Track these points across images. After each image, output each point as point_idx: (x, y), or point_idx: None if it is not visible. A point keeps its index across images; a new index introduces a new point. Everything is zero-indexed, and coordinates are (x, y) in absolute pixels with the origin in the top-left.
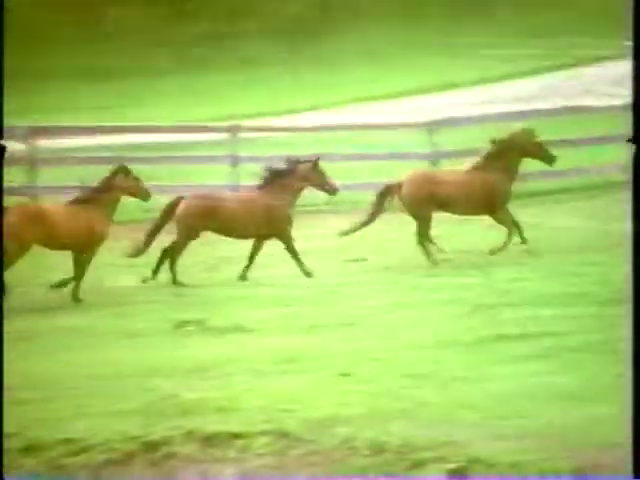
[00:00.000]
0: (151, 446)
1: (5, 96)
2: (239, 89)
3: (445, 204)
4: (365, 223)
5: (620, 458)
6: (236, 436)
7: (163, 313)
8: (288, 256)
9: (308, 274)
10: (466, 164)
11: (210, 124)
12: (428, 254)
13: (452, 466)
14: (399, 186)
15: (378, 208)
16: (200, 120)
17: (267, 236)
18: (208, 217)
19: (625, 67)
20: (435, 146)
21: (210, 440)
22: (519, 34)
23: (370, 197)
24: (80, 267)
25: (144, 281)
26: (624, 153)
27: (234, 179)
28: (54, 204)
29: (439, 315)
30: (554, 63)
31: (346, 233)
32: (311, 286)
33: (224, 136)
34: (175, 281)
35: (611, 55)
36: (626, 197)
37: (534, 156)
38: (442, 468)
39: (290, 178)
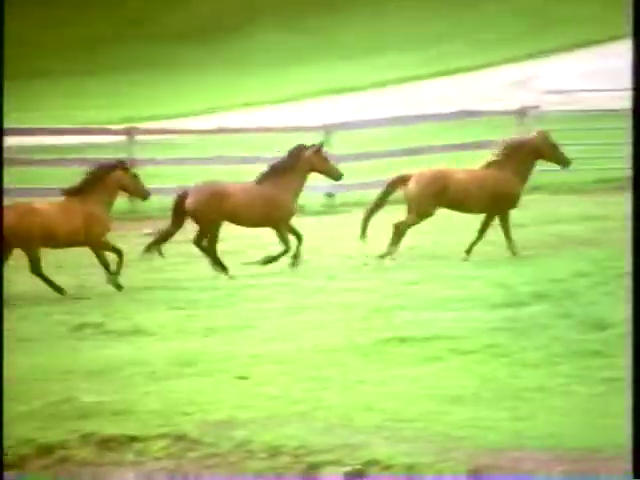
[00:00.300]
0: (45, 449)
1: None
2: (138, 91)
3: (454, 202)
4: (370, 213)
5: (512, 458)
6: (133, 439)
7: (60, 316)
8: (186, 259)
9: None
10: (479, 163)
11: (108, 126)
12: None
13: (348, 469)
14: (407, 180)
15: (384, 198)
16: (98, 122)
17: (270, 225)
18: (219, 207)
19: (520, 72)
20: (332, 149)
21: (107, 443)
22: (415, 39)
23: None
24: (102, 258)
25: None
26: None
27: None
28: (47, 202)
29: (338, 318)
30: (448, 68)
31: (363, 226)
32: (210, 289)
33: (121, 138)
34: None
35: (509, 59)
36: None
37: (549, 158)
38: (339, 471)
39: (293, 166)
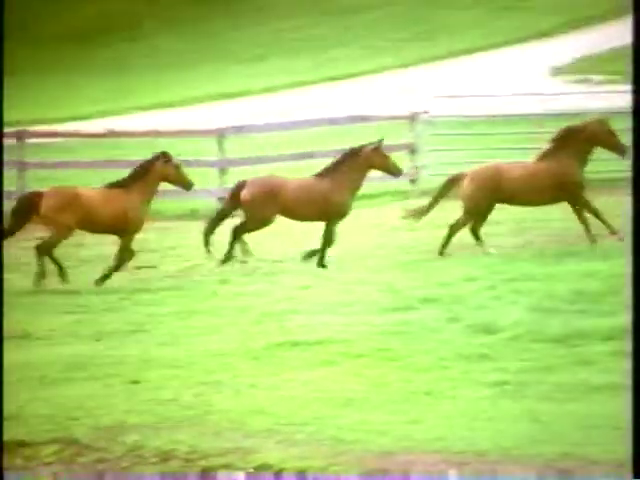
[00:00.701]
0: None
1: None
2: (27, 94)
3: (511, 198)
4: (428, 209)
5: (402, 462)
6: (23, 444)
7: None
8: (76, 263)
9: (323, 266)
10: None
11: None
12: (480, 243)
13: (240, 473)
14: (463, 177)
15: (441, 195)
16: None
17: (323, 220)
18: (272, 200)
19: (410, 77)
20: (224, 153)
21: None
22: (306, 43)
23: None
24: (122, 252)
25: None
26: (407, 161)
27: (21, 185)
28: (90, 188)
29: (230, 322)
30: (340, 73)
31: (417, 217)
32: (101, 292)
33: (11, 141)
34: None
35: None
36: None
37: (605, 145)
38: (230, 474)
39: (353, 162)
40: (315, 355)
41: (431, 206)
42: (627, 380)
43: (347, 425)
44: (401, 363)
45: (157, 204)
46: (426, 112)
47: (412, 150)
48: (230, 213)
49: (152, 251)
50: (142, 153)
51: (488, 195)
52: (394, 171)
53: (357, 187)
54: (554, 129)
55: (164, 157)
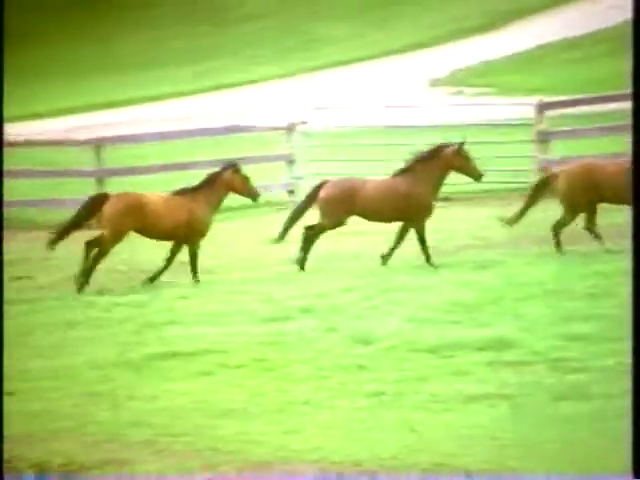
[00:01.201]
0: None
1: None
2: None
3: (608, 197)
4: (524, 211)
5: (279, 472)
6: None
7: None
8: None
9: (432, 265)
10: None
11: None
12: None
13: None
14: (556, 176)
15: (536, 197)
16: None
17: (405, 221)
18: (348, 201)
19: (289, 88)
20: (102, 164)
21: None
22: (187, 53)
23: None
24: (192, 257)
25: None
26: (285, 172)
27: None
28: (156, 194)
29: (109, 333)
30: (219, 83)
31: (513, 221)
32: None
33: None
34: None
35: (278, 75)
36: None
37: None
38: None
39: (433, 163)
40: (194, 366)
41: (524, 211)
42: (503, 390)
43: (225, 435)
44: (279, 373)
45: (29, 214)
46: (304, 123)
47: (290, 161)
48: (305, 211)
49: (26, 261)
50: (17, 163)
51: (583, 193)
52: (475, 174)
53: (438, 187)
54: (437, 140)
55: (233, 168)
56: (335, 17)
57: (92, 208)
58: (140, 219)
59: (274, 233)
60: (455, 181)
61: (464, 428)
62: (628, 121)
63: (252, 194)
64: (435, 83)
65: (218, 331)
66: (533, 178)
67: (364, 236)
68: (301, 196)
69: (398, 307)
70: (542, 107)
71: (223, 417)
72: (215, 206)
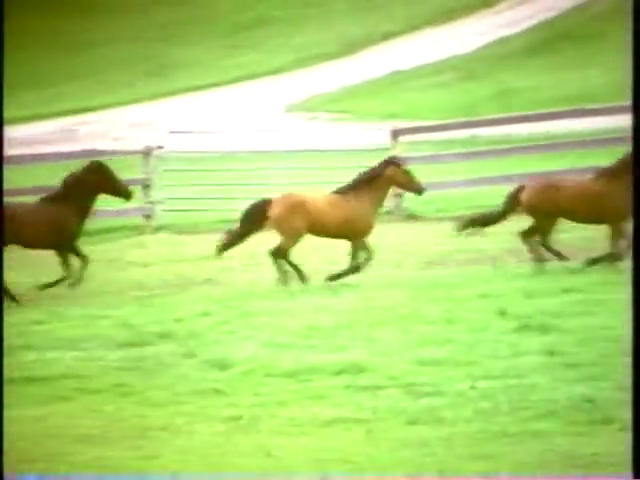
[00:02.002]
0: None
1: None
2: None
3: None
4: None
5: None
6: None
7: None
8: None
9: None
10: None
11: None
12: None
13: None
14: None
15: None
16: None
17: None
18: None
19: (145, 112)
20: None
21: None
22: (37, 78)
23: None
24: (354, 253)
25: None
26: (142, 196)
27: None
28: (316, 194)
29: None
30: (75, 107)
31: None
32: None
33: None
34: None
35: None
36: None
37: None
38: None
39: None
40: (50, 391)
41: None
42: (359, 414)
43: (82, 462)
44: (137, 398)
45: None
46: (160, 147)
47: (146, 185)
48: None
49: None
50: None
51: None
52: (417, 188)
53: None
54: (292, 165)
55: (394, 162)
56: (190, 42)
57: (258, 215)
58: (306, 218)
59: (130, 257)
60: None
61: (320, 452)
62: (484, 147)
63: (416, 188)
64: (291, 108)
65: (75, 356)
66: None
67: (220, 261)
68: (158, 221)
69: (256, 332)
70: (397, 133)
71: (79, 443)
72: (378, 202)
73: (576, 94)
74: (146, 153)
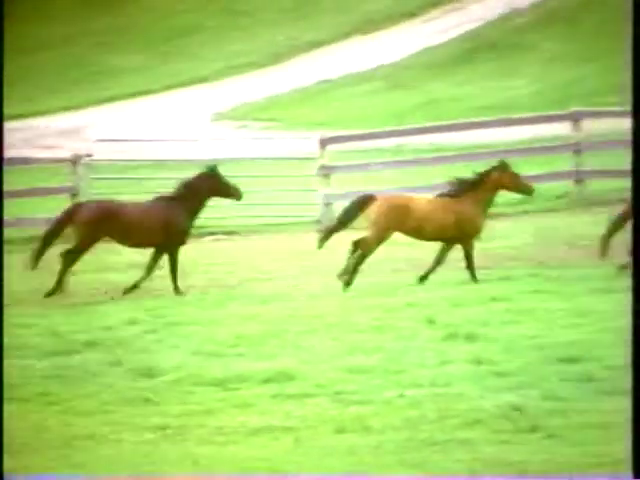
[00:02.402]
0: None
1: None
2: None
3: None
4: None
5: None
6: None
7: None
8: None
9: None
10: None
11: None
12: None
13: None
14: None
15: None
16: None
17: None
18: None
19: (73, 120)
20: None
21: None
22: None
23: None
24: (468, 257)
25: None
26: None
27: None
28: (421, 197)
29: None
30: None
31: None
32: None
33: None
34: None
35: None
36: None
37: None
38: None
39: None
40: None
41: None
42: (287, 422)
43: (6, 470)
44: (62, 407)
45: None
46: (89, 155)
47: (74, 194)
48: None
49: None
50: None
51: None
52: (526, 190)
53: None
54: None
55: (501, 166)
56: (122, 49)
57: (358, 208)
58: (404, 221)
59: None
60: (243, 214)
61: (248, 461)
62: (411, 156)
63: (525, 190)
64: (218, 117)
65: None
66: (318, 211)
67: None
68: None
69: (184, 340)
70: (325, 141)
71: (5, 452)
72: (485, 205)
73: (502, 104)
74: (74, 161)
